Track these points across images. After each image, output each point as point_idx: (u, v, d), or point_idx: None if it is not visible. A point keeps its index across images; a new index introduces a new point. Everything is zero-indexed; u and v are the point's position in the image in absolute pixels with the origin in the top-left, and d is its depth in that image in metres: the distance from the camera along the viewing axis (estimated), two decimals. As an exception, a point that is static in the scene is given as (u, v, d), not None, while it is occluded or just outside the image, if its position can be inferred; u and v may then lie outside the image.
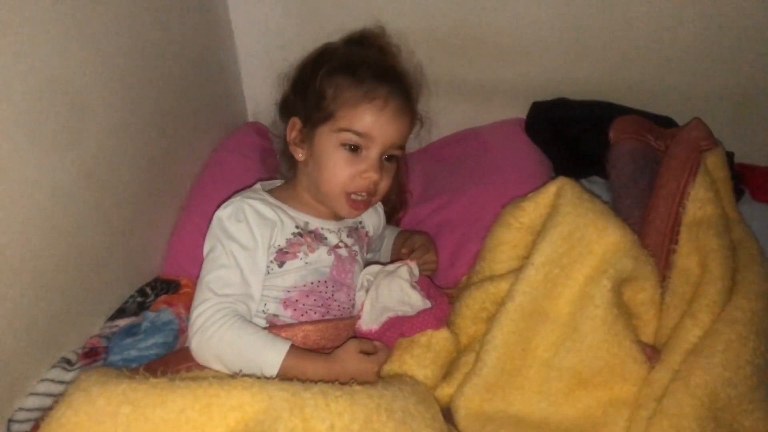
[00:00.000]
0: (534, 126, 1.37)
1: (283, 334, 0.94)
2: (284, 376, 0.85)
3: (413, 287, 1.00)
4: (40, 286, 0.90)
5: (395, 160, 1.03)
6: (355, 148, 0.98)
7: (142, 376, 0.78)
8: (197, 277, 1.15)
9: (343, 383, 0.82)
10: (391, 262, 1.09)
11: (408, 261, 1.04)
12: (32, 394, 0.91)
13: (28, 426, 0.87)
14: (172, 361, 0.93)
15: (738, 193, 1.19)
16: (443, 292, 1.06)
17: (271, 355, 0.88)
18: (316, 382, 0.81)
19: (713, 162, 1.12)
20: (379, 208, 1.18)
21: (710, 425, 0.84)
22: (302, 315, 1.00)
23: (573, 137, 1.31)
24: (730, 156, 1.20)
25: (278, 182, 1.14)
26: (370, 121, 0.97)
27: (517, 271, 0.98)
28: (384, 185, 1.03)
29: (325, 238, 1.04)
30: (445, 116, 1.42)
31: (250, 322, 0.94)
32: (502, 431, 0.90)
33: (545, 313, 0.95)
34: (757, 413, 0.87)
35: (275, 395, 0.76)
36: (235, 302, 0.93)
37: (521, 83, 1.38)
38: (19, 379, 0.90)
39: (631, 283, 0.98)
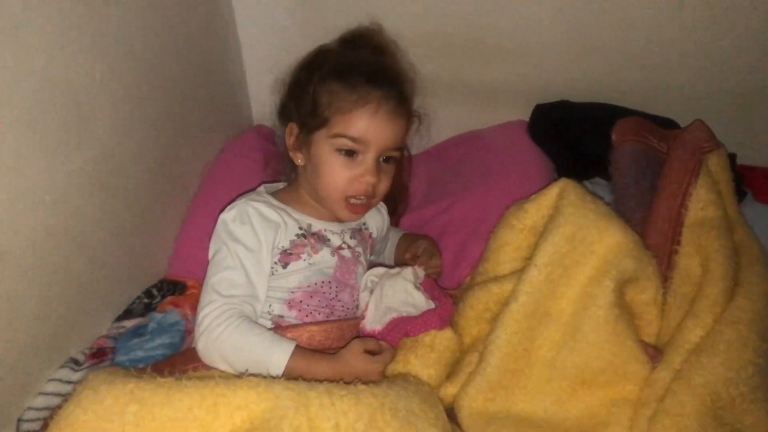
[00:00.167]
0: (537, 128, 1.37)
1: (288, 335, 0.94)
2: (289, 376, 0.86)
3: (417, 288, 1.01)
4: (48, 287, 0.91)
5: (393, 161, 1.04)
6: (350, 153, 0.99)
7: (150, 376, 0.79)
8: (203, 278, 1.17)
9: (347, 383, 0.82)
10: (395, 266, 1.10)
11: (414, 267, 1.05)
12: (41, 393, 0.92)
13: (37, 425, 0.88)
14: (179, 361, 0.93)
15: (740, 195, 1.19)
16: (447, 293, 1.07)
17: (277, 355, 0.88)
18: (321, 381, 0.82)
19: (715, 163, 1.12)
20: (383, 209, 1.19)
21: (712, 424, 0.85)
22: (307, 315, 1.01)
23: (575, 139, 1.31)
24: (732, 157, 1.20)
25: (281, 185, 1.14)
26: (364, 125, 0.97)
27: (520, 271, 0.99)
28: (383, 187, 1.03)
29: (328, 240, 1.05)
30: (449, 118, 1.42)
31: (256, 323, 0.95)
32: (505, 431, 0.91)
33: (548, 313, 0.96)
34: (758, 412, 0.87)
35: (281, 394, 0.76)
36: (240, 303, 0.94)
37: (524, 85, 1.38)
38: (28, 379, 0.91)
39: (633, 283, 0.98)
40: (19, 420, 0.89)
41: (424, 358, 0.95)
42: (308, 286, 1.02)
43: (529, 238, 1.05)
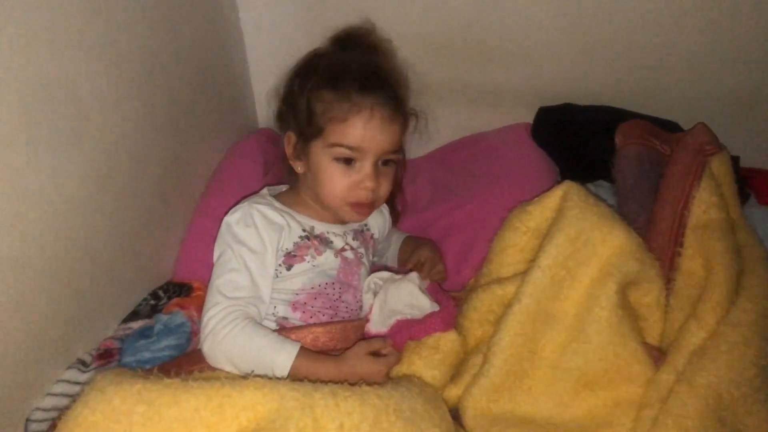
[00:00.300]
0: (540, 131, 1.37)
1: (293, 336, 0.95)
2: (294, 378, 0.87)
3: (422, 291, 1.02)
4: (56, 290, 0.92)
5: (393, 163, 1.04)
6: (348, 161, 0.99)
7: (157, 377, 0.80)
8: (209, 280, 1.17)
9: (352, 384, 0.83)
10: (399, 271, 1.10)
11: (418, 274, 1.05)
12: (49, 394, 0.92)
13: (45, 425, 0.89)
14: (185, 362, 0.94)
15: (743, 197, 1.19)
16: (450, 295, 1.07)
17: (281, 357, 0.89)
18: (325, 383, 0.82)
19: (718, 166, 1.12)
20: (384, 210, 1.19)
21: (714, 426, 0.85)
22: (311, 317, 1.02)
23: (579, 142, 1.31)
24: (735, 160, 1.20)
25: (284, 187, 1.15)
26: (359, 133, 0.97)
27: (524, 273, 0.99)
28: (384, 189, 1.03)
29: (331, 242, 1.06)
30: (452, 121, 1.43)
31: (261, 324, 0.95)
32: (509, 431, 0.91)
33: (551, 315, 0.96)
34: (761, 414, 0.87)
35: (286, 395, 0.77)
36: (245, 305, 0.94)
37: (527, 88, 1.39)
38: (36, 380, 0.91)
39: (636, 285, 0.99)
40: (27, 420, 0.90)
41: (428, 359, 0.95)
42: (312, 288, 1.02)
43: (533, 240, 1.06)
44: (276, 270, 1.01)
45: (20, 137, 0.81)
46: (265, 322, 0.99)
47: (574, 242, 0.98)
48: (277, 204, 1.05)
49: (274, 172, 1.29)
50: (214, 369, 0.92)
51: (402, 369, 0.95)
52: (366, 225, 1.14)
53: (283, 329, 0.98)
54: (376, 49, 1.09)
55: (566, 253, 0.97)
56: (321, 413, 0.76)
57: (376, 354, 0.95)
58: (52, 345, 0.93)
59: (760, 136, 1.35)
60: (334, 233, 1.07)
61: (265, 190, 1.11)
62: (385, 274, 1.07)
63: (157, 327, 1.04)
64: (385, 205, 1.18)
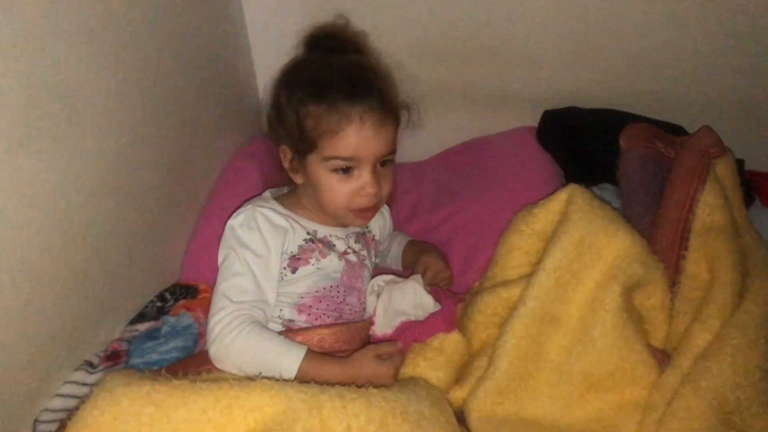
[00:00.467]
0: (545, 134, 1.37)
1: (299, 338, 0.95)
2: (302, 380, 0.87)
3: (426, 291, 1.02)
4: (63, 291, 0.92)
5: (391, 162, 1.03)
6: (346, 170, 0.98)
7: (165, 378, 0.81)
8: (215, 282, 1.18)
9: (359, 386, 0.83)
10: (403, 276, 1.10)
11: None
12: (57, 395, 0.93)
13: (53, 426, 0.89)
14: (192, 363, 0.94)
15: (748, 200, 1.19)
16: (450, 293, 1.08)
17: (288, 361, 0.89)
18: (332, 385, 0.83)
19: (723, 169, 1.12)
20: (385, 211, 1.19)
21: (719, 428, 0.85)
22: (316, 319, 1.02)
23: (584, 145, 1.31)
24: (740, 163, 1.20)
25: (285, 189, 1.14)
26: (353, 143, 0.96)
27: (529, 276, 1.00)
28: (385, 190, 1.02)
29: (334, 245, 1.06)
30: (457, 124, 1.43)
31: (267, 328, 0.96)
32: (514, 434, 0.91)
33: (556, 317, 0.96)
34: (766, 417, 0.88)
35: (294, 397, 0.77)
36: (251, 309, 0.95)
37: (532, 92, 1.39)
38: (44, 381, 0.92)
39: (641, 288, 0.99)
40: (36, 421, 0.90)
41: (432, 360, 0.96)
42: (317, 291, 1.03)
43: (538, 243, 1.06)
44: (281, 273, 1.01)
45: (27, 139, 0.81)
46: (272, 325, 1.00)
47: (578, 245, 0.98)
48: (280, 208, 1.05)
49: (283, 174, 1.29)
50: (221, 370, 0.92)
51: (407, 371, 0.96)
52: (367, 227, 1.14)
53: (290, 331, 0.98)
54: (353, 45, 1.07)
55: (571, 256, 0.98)
56: (328, 415, 0.76)
57: (383, 356, 0.95)
58: (59, 346, 0.94)
59: (764, 139, 1.35)
60: (336, 236, 1.07)
61: (267, 193, 1.11)
62: (389, 276, 1.07)
63: (164, 329, 1.04)
64: (386, 206, 1.18)
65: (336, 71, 0.99)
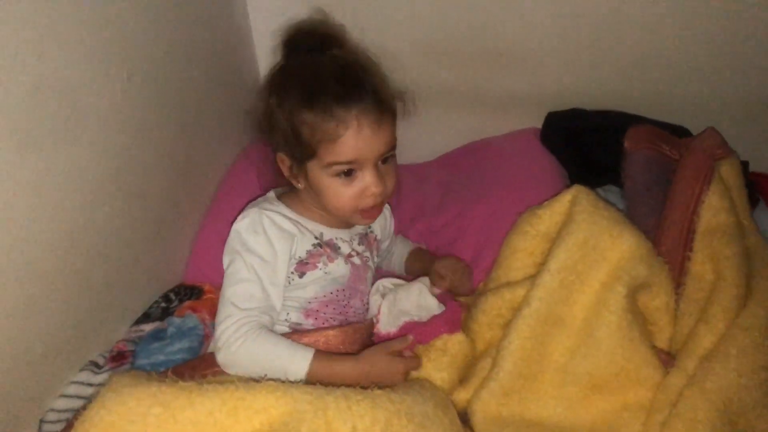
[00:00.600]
0: (549, 136, 1.37)
1: (305, 340, 0.95)
2: (314, 381, 0.87)
3: (431, 292, 1.02)
4: (69, 292, 0.93)
5: (392, 157, 1.01)
6: (349, 173, 0.96)
7: (172, 379, 0.81)
8: (220, 283, 1.18)
9: (367, 385, 0.84)
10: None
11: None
12: (62, 395, 0.94)
13: (58, 426, 0.90)
14: (199, 366, 0.94)
15: (753, 202, 1.19)
16: (453, 296, 1.08)
17: (296, 365, 0.89)
18: (344, 384, 0.83)
19: (727, 170, 1.12)
20: (386, 210, 1.18)
21: (724, 430, 0.85)
22: (323, 323, 1.02)
23: (588, 146, 1.31)
24: (744, 165, 1.20)
25: (288, 188, 1.12)
26: (352, 147, 0.94)
27: (533, 277, 1.00)
28: (390, 186, 1.01)
29: (339, 248, 1.05)
30: (461, 126, 1.43)
31: (274, 332, 0.95)
32: (518, 435, 0.91)
33: (561, 318, 0.96)
34: (771, 418, 0.88)
35: (299, 398, 0.78)
36: (258, 315, 0.94)
37: (536, 93, 1.39)
38: (49, 382, 0.93)
39: (645, 289, 0.99)
40: (41, 421, 0.91)
41: (436, 362, 0.96)
42: (324, 296, 1.03)
43: (542, 244, 1.06)
44: (288, 277, 1.01)
45: (31, 140, 0.82)
46: (278, 327, 0.99)
47: (583, 246, 0.98)
48: (286, 210, 1.04)
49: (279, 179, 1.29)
50: (227, 373, 0.92)
51: (412, 372, 0.95)
52: (370, 227, 1.14)
53: (296, 333, 0.98)
54: (335, 40, 1.03)
55: (576, 257, 0.98)
56: (333, 416, 0.77)
57: (393, 353, 0.95)
58: (64, 347, 0.94)
59: (769, 141, 1.35)
60: (341, 239, 1.07)
61: (272, 193, 1.09)
62: (395, 280, 1.07)
63: (169, 330, 1.04)
64: (387, 204, 1.16)
65: (324, 74, 0.96)
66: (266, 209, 1.01)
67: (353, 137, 0.93)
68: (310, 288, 1.02)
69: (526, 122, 1.42)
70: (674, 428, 0.87)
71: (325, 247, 1.03)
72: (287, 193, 1.09)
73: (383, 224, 1.18)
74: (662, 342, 1.00)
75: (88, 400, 0.91)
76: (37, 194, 0.84)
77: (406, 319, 1.00)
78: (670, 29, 1.26)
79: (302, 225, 1.03)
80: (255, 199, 1.09)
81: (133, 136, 1.02)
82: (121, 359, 1.00)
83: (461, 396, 0.97)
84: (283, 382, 0.82)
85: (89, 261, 0.96)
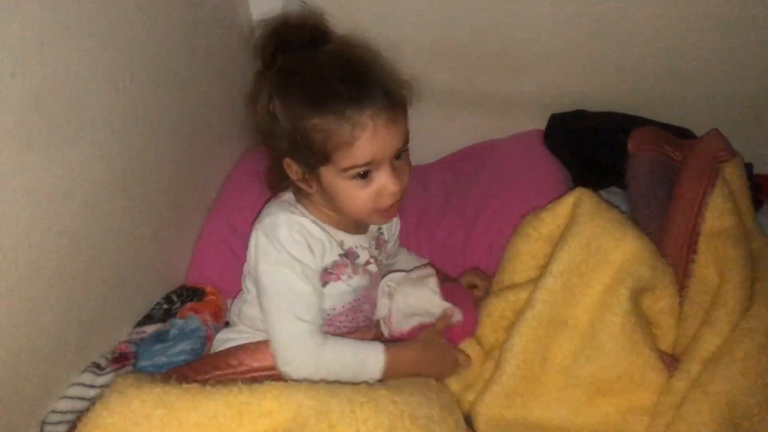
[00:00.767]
0: (553, 137, 1.37)
1: None
2: (389, 369, 0.91)
3: (441, 298, 1.02)
4: (71, 293, 0.92)
5: (406, 152, 0.96)
6: (364, 174, 0.92)
7: (176, 381, 0.81)
8: (221, 285, 1.17)
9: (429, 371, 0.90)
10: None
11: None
12: (64, 397, 0.93)
13: (61, 428, 0.89)
14: (201, 369, 0.93)
15: (757, 204, 1.19)
16: (469, 295, 1.07)
17: (373, 358, 0.91)
18: (411, 370, 0.91)
19: (731, 172, 1.12)
20: None
21: (729, 433, 0.85)
22: (335, 330, 1.01)
23: (591, 148, 1.31)
24: (748, 167, 1.20)
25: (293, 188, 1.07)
26: (369, 149, 0.89)
27: (536, 280, 0.99)
28: (405, 182, 0.96)
29: (358, 257, 1.03)
30: (465, 128, 1.43)
31: (336, 336, 0.95)
32: (521, 438, 0.91)
33: (564, 321, 0.96)
34: (776, 421, 0.87)
35: (304, 404, 0.78)
36: (320, 321, 0.94)
37: (539, 95, 1.39)
38: (51, 383, 0.92)
39: (649, 291, 0.99)
40: (43, 423, 0.90)
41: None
42: (342, 307, 1.01)
43: (546, 247, 1.06)
44: None
45: (34, 141, 0.82)
46: None
47: (586, 248, 0.98)
48: (312, 217, 0.99)
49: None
50: (230, 375, 0.92)
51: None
52: (380, 230, 1.12)
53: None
54: (327, 35, 0.97)
55: (578, 260, 0.98)
56: (337, 420, 0.76)
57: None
58: (67, 348, 0.94)
59: (773, 143, 1.35)
60: (361, 246, 1.04)
61: (291, 197, 1.02)
62: (397, 275, 1.06)
63: (172, 332, 1.04)
64: None
65: (328, 74, 0.90)
66: (292, 213, 0.97)
67: (370, 139, 0.89)
68: (331, 300, 0.99)
69: (530, 124, 1.42)
70: (678, 430, 0.87)
71: (349, 259, 1.01)
72: (302, 195, 1.02)
73: (389, 224, 1.16)
74: (666, 345, 1.00)
75: (90, 401, 0.91)
76: (38, 195, 0.84)
77: (418, 321, 1.00)
78: (674, 31, 1.26)
79: (327, 233, 0.99)
80: (272, 200, 1.04)
81: (134, 136, 1.02)
82: (123, 361, 1.00)
83: (465, 398, 0.97)
84: (287, 386, 0.81)
85: (91, 262, 0.95)
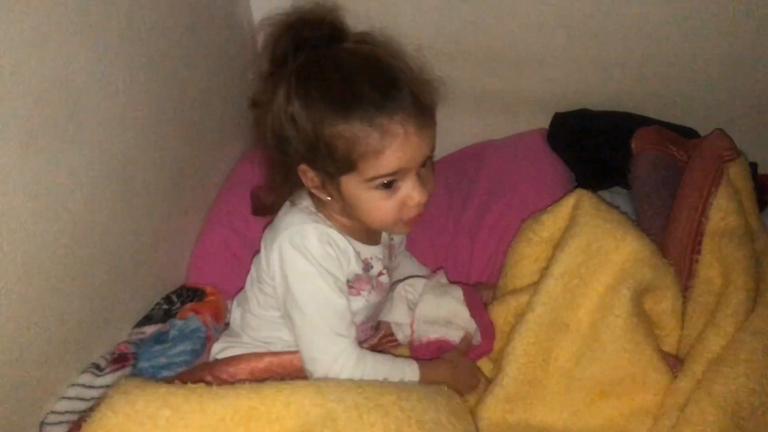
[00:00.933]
0: (556, 137, 1.37)
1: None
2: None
3: (467, 312, 1.01)
4: (70, 293, 0.92)
5: (430, 160, 0.91)
6: (389, 184, 0.86)
7: (180, 382, 0.80)
8: (221, 285, 1.17)
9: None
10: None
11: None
12: (63, 398, 0.93)
13: (60, 429, 0.89)
14: (202, 373, 0.94)
15: (761, 204, 1.18)
16: (485, 309, 1.05)
17: (410, 376, 0.91)
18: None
19: (736, 172, 1.12)
20: None
21: (733, 434, 0.84)
22: None
23: (595, 148, 1.31)
24: (753, 166, 1.20)
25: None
26: (397, 158, 0.83)
27: (537, 283, 0.99)
28: (429, 190, 0.91)
29: (372, 267, 0.99)
30: (468, 127, 1.43)
31: (367, 350, 0.94)
32: (525, 441, 0.91)
33: (565, 323, 0.96)
34: (780, 424, 0.87)
35: (312, 411, 0.77)
36: (353, 333, 0.92)
37: (543, 94, 1.39)
38: (51, 384, 0.92)
39: (651, 292, 0.98)
40: (42, 423, 0.90)
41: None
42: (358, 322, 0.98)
43: (547, 250, 1.05)
44: None
45: (33, 141, 0.81)
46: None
47: (586, 250, 0.98)
48: (335, 227, 0.94)
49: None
50: (228, 380, 0.92)
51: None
52: (391, 237, 1.08)
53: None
54: (345, 32, 0.90)
55: (579, 261, 0.97)
56: (344, 426, 0.76)
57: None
58: (66, 348, 0.94)
59: (777, 143, 1.34)
60: (376, 257, 0.99)
61: (309, 204, 0.95)
62: (417, 281, 1.05)
63: (172, 332, 1.04)
64: None
65: (354, 75, 0.84)
66: (317, 222, 0.92)
67: (400, 148, 0.83)
68: None
69: (533, 123, 1.42)
70: (682, 432, 0.86)
71: (365, 271, 0.98)
72: (319, 203, 0.95)
73: None
74: (670, 346, 0.99)
75: (90, 402, 0.91)
76: (38, 195, 0.83)
77: (439, 331, 0.99)
78: (679, 30, 1.26)
79: (350, 245, 0.94)
80: (292, 207, 0.97)
81: (135, 136, 1.02)
82: (122, 361, 1.00)
83: (469, 402, 0.96)
84: (294, 390, 0.79)
85: (90, 262, 0.95)
